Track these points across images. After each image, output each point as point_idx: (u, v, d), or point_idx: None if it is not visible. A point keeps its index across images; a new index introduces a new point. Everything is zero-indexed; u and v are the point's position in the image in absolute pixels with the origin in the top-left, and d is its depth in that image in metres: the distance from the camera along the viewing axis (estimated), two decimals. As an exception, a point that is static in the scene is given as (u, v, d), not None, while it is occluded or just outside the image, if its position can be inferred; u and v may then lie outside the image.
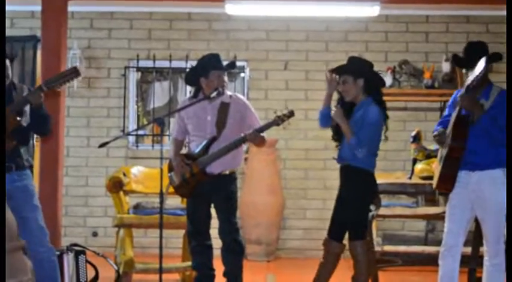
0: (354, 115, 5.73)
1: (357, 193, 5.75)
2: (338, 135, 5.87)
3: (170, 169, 6.20)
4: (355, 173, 5.75)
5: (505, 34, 8.97)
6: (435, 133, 5.50)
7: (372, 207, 6.47)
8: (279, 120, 6.05)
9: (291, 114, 6.06)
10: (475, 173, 5.38)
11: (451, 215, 5.50)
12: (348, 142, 5.65)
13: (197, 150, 6.08)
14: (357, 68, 5.80)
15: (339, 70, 5.87)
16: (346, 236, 5.81)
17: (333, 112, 5.76)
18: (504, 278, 5.41)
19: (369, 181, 5.79)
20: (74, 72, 5.40)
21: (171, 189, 6.25)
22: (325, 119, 5.94)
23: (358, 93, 5.77)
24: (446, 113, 5.68)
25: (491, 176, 5.41)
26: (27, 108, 5.37)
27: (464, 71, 5.52)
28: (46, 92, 5.33)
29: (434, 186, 5.55)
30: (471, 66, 5.33)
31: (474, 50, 5.48)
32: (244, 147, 7.19)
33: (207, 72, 6.05)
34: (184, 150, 6.38)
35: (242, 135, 6.01)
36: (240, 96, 6.39)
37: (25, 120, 5.37)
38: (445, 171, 5.37)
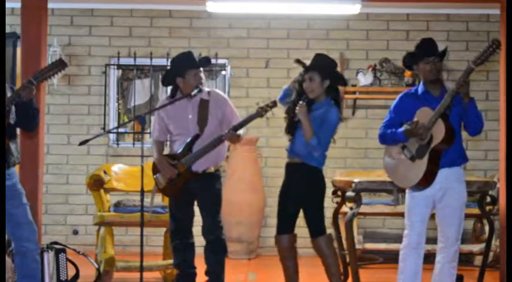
0: (313, 113, 5.78)
1: (316, 191, 5.89)
2: (292, 129, 5.92)
3: (155, 171, 6.16)
4: (310, 172, 5.87)
5: (486, 33, 9.08)
6: (407, 127, 5.37)
7: (353, 205, 6.51)
8: (262, 111, 6.02)
9: (274, 104, 6.04)
10: (442, 170, 5.39)
11: (414, 213, 5.52)
12: (307, 141, 5.71)
13: (180, 149, 6.06)
14: (325, 69, 5.85)
15: (307, 67, 5.90)
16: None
17: (297, 108, 5.78)
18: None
19: (322, 179, 5.94)
20: (61, 64, 5.41)
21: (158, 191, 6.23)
22: (285, 97, 6.06)
23: (322, 93, 5.83)
24: (392, 116, 5.64)
25: (457, 172, 5.47)
26: (12, 105, 5.37)
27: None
28: (36, 85, 5.33)
29: (415, 182, 5.47)
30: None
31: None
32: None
33: (183, 72, 6.02)
34: (166, 151, 6.35)
35: (219, 135, 5.99)
36: (218, 91, 6.37)
37: (12, 118, 5.38)
38: (431, 166, 5.36)
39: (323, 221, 6.00)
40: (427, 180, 5.39)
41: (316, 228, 5.92)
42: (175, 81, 6.08)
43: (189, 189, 6.06)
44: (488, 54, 5.13)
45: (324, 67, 5.84)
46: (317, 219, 5.92)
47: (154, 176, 6.13)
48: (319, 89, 5.82)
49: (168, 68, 6.26)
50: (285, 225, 6.00)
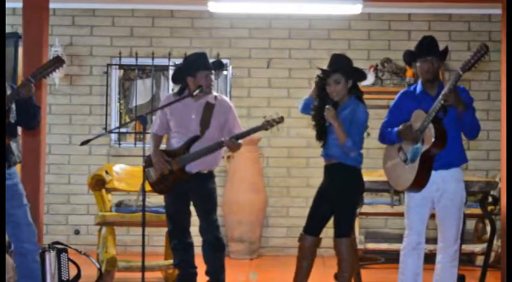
0: (340, 115, 5.72)
1: (350, 190, 5.81)
2: (323, 134, 5.86)
3: (148, 164, 6.16)
4: (347, 171, 5.79)
5: (487, 32, 9.08)
6: (400, 128, 5.40)
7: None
8: (267, 125, 6.03)
9: (281, 120, 6.04)
10: (439, 171, 5.38)
11: (413, 213, 5.50)
12: (342, 144, 5.65)
13: (178, 147, 6.06)
14: (347, 69, 5.80)
15: (330, 70, 5.80)
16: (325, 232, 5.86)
17: (325, 113, 5.73)
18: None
19: (360, 178, 5.86)
20: (59, 61, 5.42)
21: (148, 186, 6.21)
22: (306, 108, 5.99)
23: (346, 93, 5.79)
24: (391, 115, 5.63)
25: (455, 173, 5.44)
26: (13, 104, 5.37)
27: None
28: (35, 84, 5.34)
29: (406, 186, 5.45)
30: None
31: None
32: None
33: (194, 72, 6.02)
34: (162, 146, 6.35)
35: (220, 140, 6.00)
36: (225, 98, 6.37)
37: (12, 117, 5.38)
38: (422, 170, 5.34)
39: (351, 223, 5.95)
40: (418, 183, 5.38)
41: (342, 228, 5.80)
42: (185, 80, 6.08)
43: (182, 188, 6.06)
44: (476, 60, 5.04)
45: (345, 67, 5.79)
46: (346, 219, 5.83)
47: (147, 170, 6.12)
48: (344, 90, 5.76)
49: (181, 65, 6.24)
50: (314, 227, 5.90)
